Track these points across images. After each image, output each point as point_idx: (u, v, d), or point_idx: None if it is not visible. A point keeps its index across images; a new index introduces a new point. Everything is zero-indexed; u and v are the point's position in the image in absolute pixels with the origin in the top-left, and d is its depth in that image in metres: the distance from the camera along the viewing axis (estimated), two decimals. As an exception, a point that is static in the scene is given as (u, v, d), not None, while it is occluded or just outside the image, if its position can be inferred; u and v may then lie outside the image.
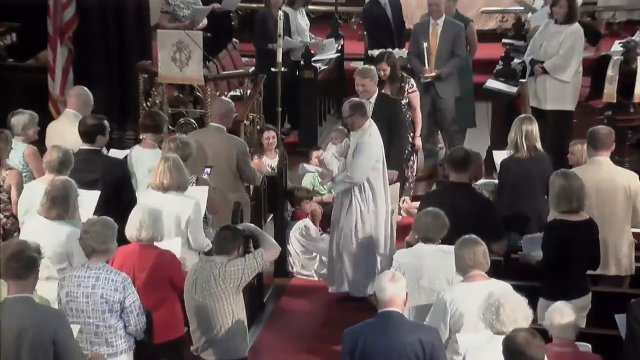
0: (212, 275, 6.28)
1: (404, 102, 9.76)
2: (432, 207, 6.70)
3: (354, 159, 8.40)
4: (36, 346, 5.30)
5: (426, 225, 6.61)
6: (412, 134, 10.01)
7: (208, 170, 8.04)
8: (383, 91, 9.43)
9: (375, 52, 11.71)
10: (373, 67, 9.38)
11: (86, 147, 7.80)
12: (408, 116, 9.90)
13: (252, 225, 6.93)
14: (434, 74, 10.36)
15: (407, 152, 9.91)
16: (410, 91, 9.77)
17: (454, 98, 10.61)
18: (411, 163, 10.19)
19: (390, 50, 10.24)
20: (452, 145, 10.59)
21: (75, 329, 5.84)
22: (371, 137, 8.42)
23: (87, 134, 7.81)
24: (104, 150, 8.15)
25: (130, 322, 6.14)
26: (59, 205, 6.63)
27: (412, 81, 9.87)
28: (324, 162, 8.85)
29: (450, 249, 6.32)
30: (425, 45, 10.29)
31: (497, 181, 8.28)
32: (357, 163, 8.39)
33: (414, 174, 10.32)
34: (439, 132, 11.03)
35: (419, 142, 10.12)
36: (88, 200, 7.30)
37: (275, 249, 6.63)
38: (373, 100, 9.08)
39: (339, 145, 8.87)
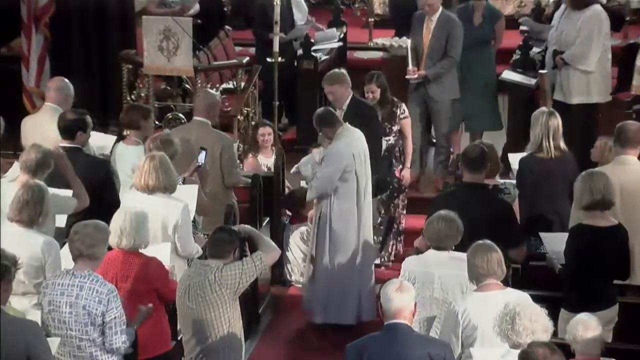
0: (206, 280, 6.30)
1: (394, 128, 9.44)
2: (444, 210, 6.69)
3: (320, 168, 8.46)
4: (8, 361, 5.31)
5: (438, 231, 6.62)
6: (399, 166, 9.56)
7: (203, 153, 7.94)
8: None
9: (386, 42, 11.72)
10: (342, 71, 9.22)
11: (65, 144, 7.81)
12: (398, 145, 9.50)
13: (248, 226, 6.95)
14: (415, 76, 10.19)
15: (390, 186, 9.49)
16: (401, 117, 9.41)
17: (449, 101, 10.45)
18: (398, 201, 9.63)
19: (379, 72, 9.81)
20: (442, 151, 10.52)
21: (55, 342, 5.85)
22: (339, 144, 8.41)
23: (67, 129, 7.83)
24: (91, 148, 8.16)
25: (106, 339, 6.09)
26: (31, 210, 6.62)
27: (404, 106, 9.57)
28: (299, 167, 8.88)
29: (465, 256, 6.32)
30: (409, 42, 10.18)
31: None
32: (321, 172, 8.44)
33: (403, 216, 9.76)
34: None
35: (407, 174, 9.61)
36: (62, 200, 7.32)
37: (274, 252, 6.65)
38: (345, 107, 9.00)
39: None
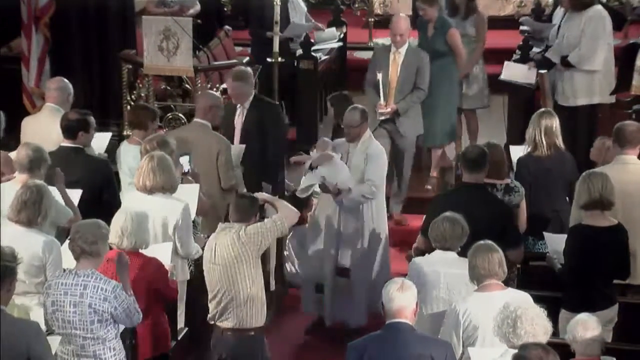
0: (232, 238, 6.65)
1: None
2: (449, 212, 6.70)
3: (372, 170, 8.29)
4: (10, 362, 5.33)
5: (443, 232, 6.62)
6: None
7: (186, 158, 7.90)
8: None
9: (386, 42, 11.66)
10: (246, 69, 9.23)
11: (67, 144, 7.84)
12: None
13: (265, 193, 7.28)
14: (389, 110, 9.77)
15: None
16: None
17: (415, 137, 10.08)
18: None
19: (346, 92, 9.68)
20: (399, 191, 10.11)
21: (56, 339, 5.87)
22: (376, 142, 8.45)
23: (68, 129, 7.86)
24: (93, 149, 8.17)
25: (127, 320, 6.18)
26: (29, 210, 6.65)
27: None
28: (330, 185, 8.32)
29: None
30: (380, 75, 9.69)
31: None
32: (376, 173, 8.33)
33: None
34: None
35: None
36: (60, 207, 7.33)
37: (293, 213, 6.99)
38: (247, 105, 9.03)
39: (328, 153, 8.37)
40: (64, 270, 6.41)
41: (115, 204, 7.44)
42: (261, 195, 7.12)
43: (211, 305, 6.83)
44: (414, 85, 9.90)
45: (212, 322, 6.87)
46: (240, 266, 6.67)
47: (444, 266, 6.60)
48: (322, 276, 8.59)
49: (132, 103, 10.31)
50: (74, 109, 8.34)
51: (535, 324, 5.55)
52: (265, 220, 6.85)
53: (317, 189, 8.74)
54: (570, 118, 8.25)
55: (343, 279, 8.57)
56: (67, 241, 6.33)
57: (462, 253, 6.52)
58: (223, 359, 6.86)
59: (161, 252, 6.95)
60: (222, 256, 6.70)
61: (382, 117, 9.81)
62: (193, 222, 7.63)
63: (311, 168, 8.33)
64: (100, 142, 8.74)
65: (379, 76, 9.74)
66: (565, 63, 10.00)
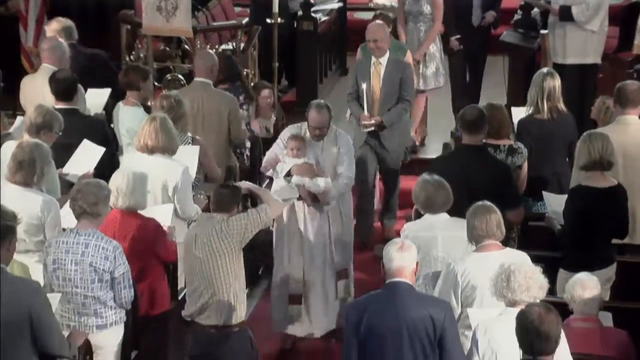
0: (213, 230, 6.44)
1: None
2: (427, 174, 6.68)
3: (346, 164, 7.98)
4: (10, 322, 5.34)
5: (432, 197, 6.59)
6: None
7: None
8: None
9: (386, 2, 11.63)
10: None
11: (62, 105, 7.83)
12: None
13: (249, 182, 7.10)
14: (373, 122, 9.14)
15: None
16: None
17: (403, 150, 9.61)
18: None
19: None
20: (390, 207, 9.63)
21: (56, 297, 5.92)
22: (346, 136, 8.17)
23: (64, 91, 7.85)
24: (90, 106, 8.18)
25: (116, 294, 6.22)
26: (25, 170, 6.66)
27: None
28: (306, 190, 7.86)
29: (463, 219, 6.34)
30: (364, 86, 9.07)
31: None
32: (350, 167, 8.02)
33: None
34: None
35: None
36: (92, 155, 7.46)
37: (278, 204, 6.80)
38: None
39: (300, 159, 7.88)
40: (64, 230, 6.46)
41: (113, 164, 7.46)
42: (244, 185, 6.88)
43: (189, 300, 6.60)
44: (399, 97, 9.24)
45: (190, 319, 6.62)
46: (222, 259, 6.44)
47: (440, 229, 6.59)
48: (298, 287, 8.07)
49: (131, 64, 10.30)
50: (61, 69, 8.23)
51: (529, 277, 5.59)
52: (249, 211, 6.60)
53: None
54: (561, 75, 8.18)
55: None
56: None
57: (461, 214, 6.54)
58: (206, 356, 6.58)
59: (161, 213, 6.99)
60: (203, 249, 6.44)
61: (367, 130, 9.22)
62: (197, 178, 7.66)
63: (288, 174, 7.87)
64: (98, 99, 8.73)
65: (364, 86, 9.15)
66: (565, 16, 9.88)
